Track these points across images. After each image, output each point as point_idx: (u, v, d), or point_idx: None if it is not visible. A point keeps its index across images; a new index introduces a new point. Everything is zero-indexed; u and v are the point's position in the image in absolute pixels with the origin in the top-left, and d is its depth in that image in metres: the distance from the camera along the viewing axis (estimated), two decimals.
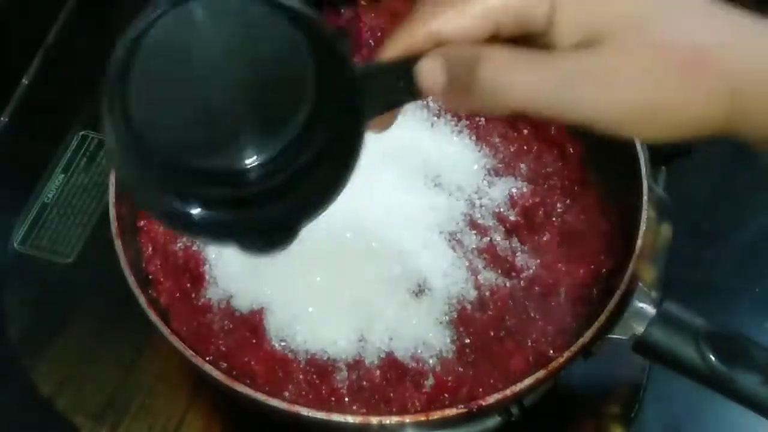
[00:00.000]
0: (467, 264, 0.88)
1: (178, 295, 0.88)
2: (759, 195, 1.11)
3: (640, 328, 0.79)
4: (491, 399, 0.75)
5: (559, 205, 0.93)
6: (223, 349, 0.84)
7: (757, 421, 0.80)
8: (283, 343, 0.83)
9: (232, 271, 0.87)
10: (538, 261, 0.89)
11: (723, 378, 0.75)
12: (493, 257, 0.89)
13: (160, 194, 0.47)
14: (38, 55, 1.20)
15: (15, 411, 0.97)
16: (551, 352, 0.82)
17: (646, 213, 0.85)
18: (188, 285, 0.88)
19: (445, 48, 0.51)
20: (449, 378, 0.82)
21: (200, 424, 0.94)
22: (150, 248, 0.90)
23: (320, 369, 0.82)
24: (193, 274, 0.88)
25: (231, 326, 0.85)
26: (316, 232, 0.84)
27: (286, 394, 0.81)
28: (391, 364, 0.82)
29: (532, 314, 0.85)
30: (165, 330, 0.79)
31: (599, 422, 0.94)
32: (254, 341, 0.84)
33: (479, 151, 0.95)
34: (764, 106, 0.50)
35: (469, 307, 0.85)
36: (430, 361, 0.83)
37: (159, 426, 0.94)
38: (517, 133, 0.98)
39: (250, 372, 0.82)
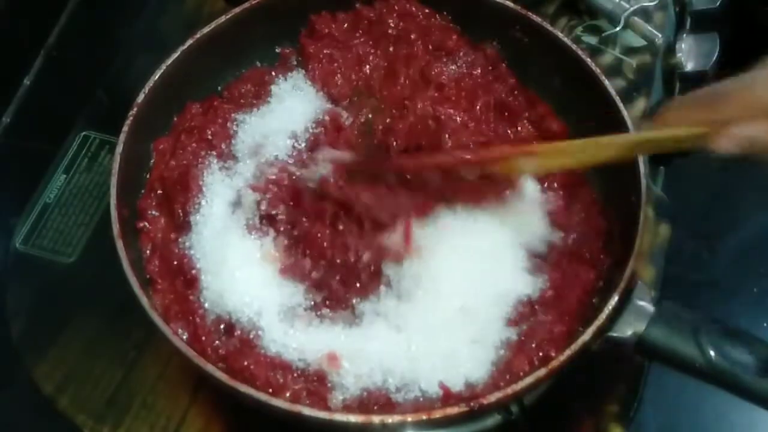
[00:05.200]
0: None
1: (173, 296, 0.88)
2: (757, 195, 1.12)
3: (640, 327, 0.79)
4: (492, 398, 0.75)
5: (562, 203, 0.94)
6: (222, 352, 0.84)
7: (755, 418, 0.81)
8: (281, 350, 0.84)
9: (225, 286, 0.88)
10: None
11: (723, 373, 0.76)
12: None
13: None
14: (40, 56, 1.20)
15: (17, 410, 0.97)
16: (552, 352, 0.82)
17: (644, 212, 0.85)
18: (184, 287, 0.88)
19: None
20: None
21: (201, 424, 0.94)
22: (149, 249, 0.91)
23: (319, 376, 0.83)
24: (187, 277, 0.88)
25: (228, 330, 0.85)
26: None
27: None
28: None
29: (540, 316, 0.86)
30: (168, 331, 0.79)
31: (598, 421, 0.94)
32: (252, 346, 0.84)
33: None
34: None
35: None
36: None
37: (160, 425, 0.94)
38: (515, 134, 0.99)
39: (250, 376, 0.82)
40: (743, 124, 0.67)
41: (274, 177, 0.93)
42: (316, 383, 0.81)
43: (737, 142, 0.68)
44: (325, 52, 1.03)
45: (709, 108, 0.71)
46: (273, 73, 1.03)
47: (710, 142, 0.71)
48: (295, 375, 0.82)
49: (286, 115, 0.99)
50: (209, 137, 0.97)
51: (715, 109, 0.70)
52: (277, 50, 1.05)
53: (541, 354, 0.82)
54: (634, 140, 0.80)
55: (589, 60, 0.96)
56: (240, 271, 0.87)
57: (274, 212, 0.91)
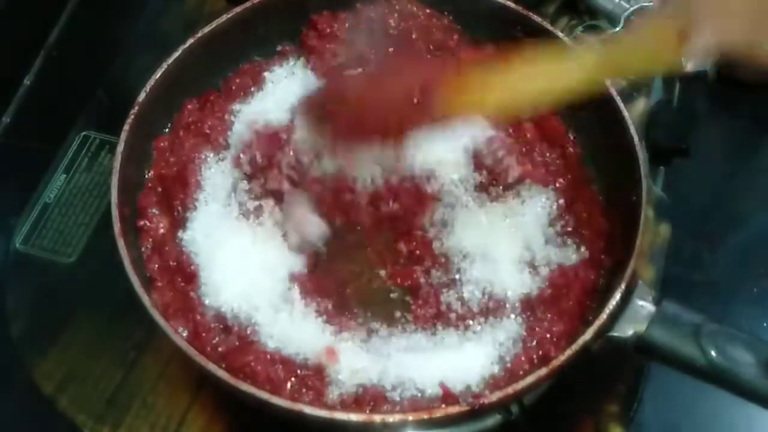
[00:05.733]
0: None
1: (172, 294, 0.88)
2: (757, 195, 1.12)
3: (640, 327, 0.79)
4: (493, 397, 0.75)
5: (562, 203, 0.94)
6: (222, 349, 0.84)
7: (754, 419, 0.81)
8: (279, 345, 0.84)
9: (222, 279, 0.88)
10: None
11: (724, 373, 0.75)
12: None
13: None
14: (40, 56, 1.20)
15: (17, 410, 0.97)
16: (552, 351, 0.82)
17: (644, 212, 0.85)
18: (183, 283, 0.88)
19: None
20: None
21: (201, 423, 0.94)
22: (149, 247, 0.91)
23: (317, 370, 0.83)
24: (186, 273, 0.88)
25: (226, 328, 0.85)
26: None
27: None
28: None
29: (540, 315, 0.86)
30: (169, 330, 0.79)
31: (598, 421, 0.94)
32: (250, 342, 0.84)
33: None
34: None
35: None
36: None
37: (160, 425, 0.94)
38: (519, 135, 0.99)
39: (250, 373, 0.82)
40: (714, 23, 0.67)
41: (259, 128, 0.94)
42: (313, 378, 0.81)
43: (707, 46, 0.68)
44: (328, 47, 1.03)
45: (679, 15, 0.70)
46: (267, 64, 1.04)
47: (680, 52, 0.70)
48: (294, 370, 0.82)
49: (281, 95, 1.00)
50: (207, 131, 0.97)
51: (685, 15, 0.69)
52: (278, 48, 1.06)
53: (541, 353, 0.82)
54: (595, 61, 0.75)
55: None
56: (234, 262, 0.88)
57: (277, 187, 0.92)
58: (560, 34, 0.98)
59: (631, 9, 1.14)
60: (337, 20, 1.05)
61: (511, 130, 0.99)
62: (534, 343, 0.83)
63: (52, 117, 1.18)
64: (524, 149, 0.97)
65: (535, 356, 0.82)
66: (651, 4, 1.15)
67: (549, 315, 0.85)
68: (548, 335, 0.84)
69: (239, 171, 0.93)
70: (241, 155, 0.93)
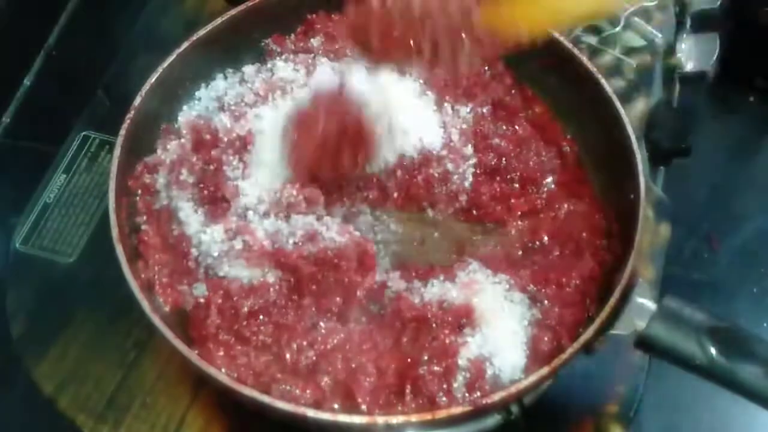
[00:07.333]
0: None
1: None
2: (757, 195, 1.12)
3: (641, 324, 0.79)
4: (496, 396, 0.75)
5: (557, 203, 0.94)
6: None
7: (755, 418, 0.81)
8: None
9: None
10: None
11: (724, 371, 0.75)
12: None
13: None
14: (40, 56, 1.20)
15: (17, 410, 0.97)
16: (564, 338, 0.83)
17: (643, 210, 0.85)
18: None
19: None
20: None
21: (201, 423, 0.94)
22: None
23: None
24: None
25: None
26: None
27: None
28: None
29: (547, 305, 0.86)
30: (169, 334, 0.79)
31: (598, 421, 0.94)
32: None
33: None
34: None
35: None
36: None
37: (160, 425, 0.94)
38: (515, 133, 0.99)
39: None
40: None
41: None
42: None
43: None
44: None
45: None
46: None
47: None
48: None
49: None
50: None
51: None
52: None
53: (554, 343, 0.82)
54: None
55: (584, 58, 0.96)
56: None
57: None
58: (555, 33, 0.98)
59: (632, 9, 1.14)
60: (332, 21, 1.05)
61: (509, 129, 0.99)
62: (545, 330, 0.84)
63: (52, 117, 1.18)
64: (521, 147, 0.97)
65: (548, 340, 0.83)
66: (652, 4, 1.15)
67: (555, 306, 0.85)
68: (557, 324, 0.84)
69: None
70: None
